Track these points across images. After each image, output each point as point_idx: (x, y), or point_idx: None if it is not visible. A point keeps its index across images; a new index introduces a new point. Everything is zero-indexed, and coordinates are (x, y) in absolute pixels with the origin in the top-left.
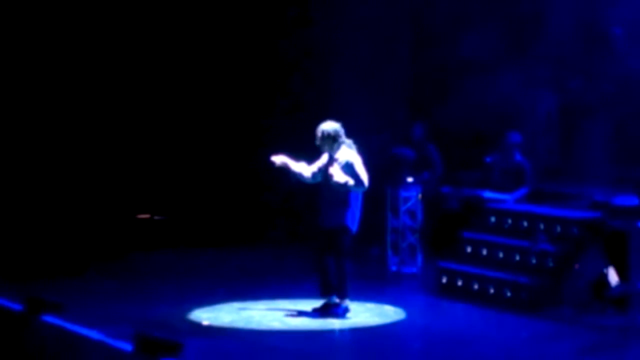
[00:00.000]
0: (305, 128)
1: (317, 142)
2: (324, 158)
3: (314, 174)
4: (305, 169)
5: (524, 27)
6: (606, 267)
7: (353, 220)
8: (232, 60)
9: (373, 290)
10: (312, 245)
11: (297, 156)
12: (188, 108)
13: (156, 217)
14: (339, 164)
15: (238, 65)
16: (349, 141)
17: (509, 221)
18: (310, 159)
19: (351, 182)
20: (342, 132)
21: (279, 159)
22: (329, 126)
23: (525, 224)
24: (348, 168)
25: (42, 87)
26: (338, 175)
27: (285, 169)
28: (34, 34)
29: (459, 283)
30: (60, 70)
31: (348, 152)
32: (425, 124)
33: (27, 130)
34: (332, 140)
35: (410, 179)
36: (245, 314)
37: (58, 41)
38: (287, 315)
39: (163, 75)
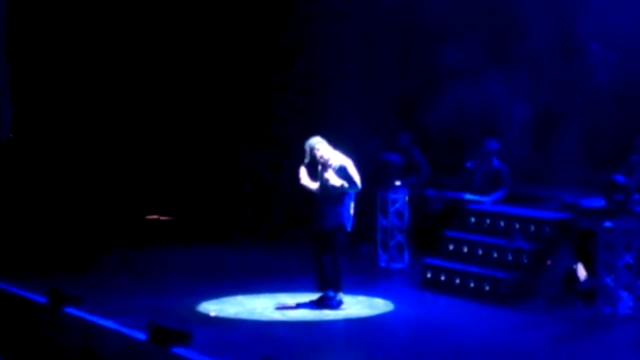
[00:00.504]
0: (302, 136)
1: (307, 160)
2: (319, 168)
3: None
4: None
5: (502, 42)
6: (575, 263)
7: (348, 218)
8: (235, 74)
9: (364, 284)
10: (310, 245)
11: (291, 158)
12: (190, 116)
13: (162, 218)
14: (333, 168)
15: (242, 79)
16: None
17: (488, 221)
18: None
19: (346, 184)
20: (323, 141)
21: (304, 179)
22: (313, 141)
23: (502, 223)
24: (341, 171)
25: (73, 101)
26: (333, 179)
27: (305, 188)
28: (56, 39)
29: (442, 278)
30: (85, 78)
31: (340, 157)
32: (411, 131)
33: (55, 137)
34: (318, 150)
35: (398, 183)
36: (249, 306)
37: (73, 43)
38: (287, 307)
39: (169, 89)
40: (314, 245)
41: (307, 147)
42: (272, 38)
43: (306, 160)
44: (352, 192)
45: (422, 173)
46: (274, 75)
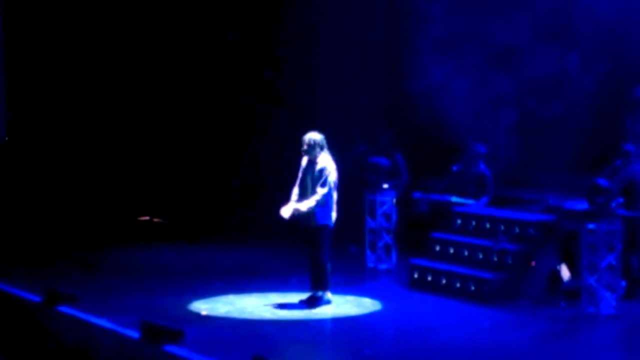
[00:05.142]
0: (292, 140)
1: (304, 148)
2: (304, 162)
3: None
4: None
5: (490, 46)
6: (559, 264)
7: (329, 217)
8: (229, 83)
9: (353, 284)
10: (303, 245)
11: (286, 163)
12: (179, 119)
13: (155, 220)
14: (317, 167)
15: (234, 88)
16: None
17: (473, 223)
18: (295, 165)
19: (313, 204)
20: (324, 141)
21: (284, 211)
22: (316, 136)
23: (488, 225)
24: (319, 172)
25: (72, 107)
26: (303, 207)
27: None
28: (50, 44)
29: (429, 278)
30: (86, 86)
31: (326, 161)
32: (395, 134)
33: (50, 140)
34: (317, 148)
35: (385, 185)
36: (239, 305)
37: (67, 48)
38: (277, 306)
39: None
40: (305, 245)
41: (306, 138)
42: (264, 46)
43: (302, 148)
44: (319, 201)
45: (402, 179)
46: (264, 81)
